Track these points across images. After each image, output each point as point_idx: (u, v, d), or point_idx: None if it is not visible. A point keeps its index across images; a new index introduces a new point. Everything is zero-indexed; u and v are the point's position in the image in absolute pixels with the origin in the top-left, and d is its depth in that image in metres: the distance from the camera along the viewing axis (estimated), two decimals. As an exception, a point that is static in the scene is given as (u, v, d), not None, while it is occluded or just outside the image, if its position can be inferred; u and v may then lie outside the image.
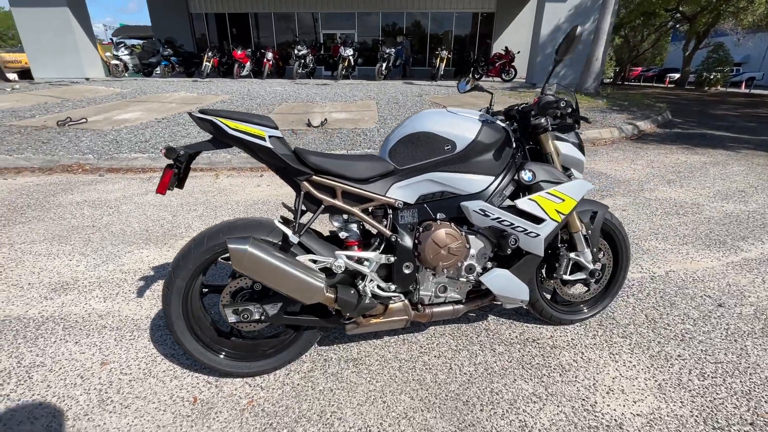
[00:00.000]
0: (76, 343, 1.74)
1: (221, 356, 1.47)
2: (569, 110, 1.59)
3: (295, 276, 1.28)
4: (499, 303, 1.66)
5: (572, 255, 1.71)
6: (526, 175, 1.45)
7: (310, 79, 13.11)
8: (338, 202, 1.41)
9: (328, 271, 1.43)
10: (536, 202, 1.43)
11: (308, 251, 1.44)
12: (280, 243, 1.38)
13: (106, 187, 3.89)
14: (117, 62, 12.11)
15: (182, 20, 16.66)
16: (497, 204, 1.45)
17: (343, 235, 1.52)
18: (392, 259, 1.45)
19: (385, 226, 1.47)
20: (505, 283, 1.53)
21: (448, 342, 1.76)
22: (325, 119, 6.34)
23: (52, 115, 6.42)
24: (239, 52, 11.98)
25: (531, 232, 1.45)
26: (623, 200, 3.58)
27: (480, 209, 1.42)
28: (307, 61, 12.58)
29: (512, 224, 1.44)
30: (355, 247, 1.52)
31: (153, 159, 4.56)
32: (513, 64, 12.67)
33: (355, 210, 1.43)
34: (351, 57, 12.27)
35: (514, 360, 1.65)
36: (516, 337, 1.80)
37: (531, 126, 1.51)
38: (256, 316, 1.40)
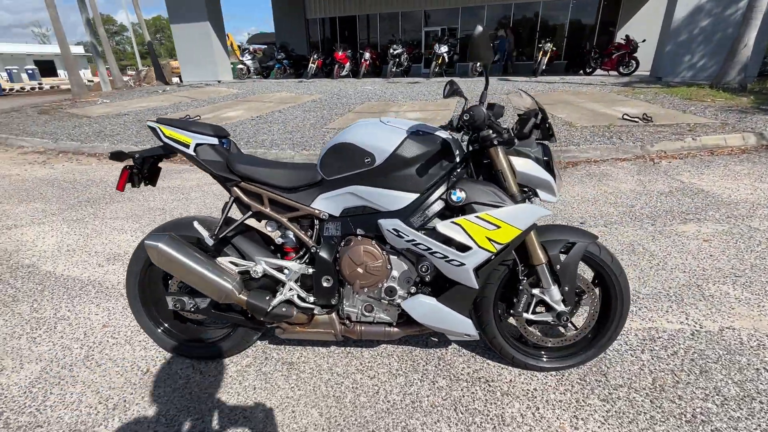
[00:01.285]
0: (97, 305, 2.13)
1: (167, 336, 1.65)
2: (535, 121, 1.34)
3: (203, 275, 1.37)
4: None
5: (536, 291, 1.45)
6: (454, 195, 1.27)
7: (404, 77, 13.29)
8: (265, 209, 1.45)
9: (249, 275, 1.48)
10: (461, 226, 1.24)
11: (240, 254, 1.51)
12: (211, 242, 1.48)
13: (188, 176, 4.59)
14: (242, 66, 14.03)
15: (299, 25, 18.42)
16: (417, 224, 1.30)
17: (279, 241, 1.55)
18: (311, 270, 1.43)
19: (311, 237, 1.45)
20: (428, 312, 1.38)
21: (391, 364, 1.66)
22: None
23: (180, 113, 7.79)
24: (340, 54, 12.76)
25: (453, 260, 1.27)
26: (713, 228, 2.83)
27: (393, 229, 1.30)
28: (402, 59, 12.76)
29: (429, 249, 1.28)
30: (293, 253, 1.54)
31: (232, 153, 5.21)
32: (635, 54, 10.86)
33: (282, 218, 1.45)
34: (446, 54, 12.04)
35: (450, 398, 1.48)
36: (468, 373, 1.60)
37: (480, 138, 1.32)
38: (188, 307, 1.53)
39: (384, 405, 1.47)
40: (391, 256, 1.39)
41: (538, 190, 1.38)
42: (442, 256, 1.28)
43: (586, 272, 1.68)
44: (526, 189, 1.38)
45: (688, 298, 2.05)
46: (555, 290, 1.42)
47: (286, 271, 1.46)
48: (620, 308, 1.48)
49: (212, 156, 1.42)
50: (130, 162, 1.51)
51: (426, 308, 1.37)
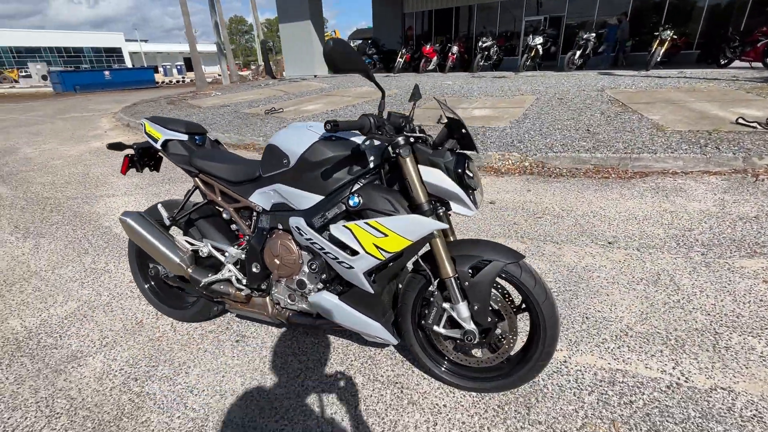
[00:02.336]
0: (134, 264, 2.63)
1: (151, 294, 2.00)
2: (447, 131, 1.30)
3: (158, 248, 1.64)
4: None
5: (446, 305, 1.40)
6: (352, 200, 1.30)
7: (493, 71, 12.68)
8: (217, 198, 1.67)
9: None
10: (351, 230, 1.27)
11: (202, 235, 1.76)
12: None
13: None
14: (336, 61, 14.92)
15: (396, 20, 18.75)
16: (317, 225, 1.36)
17: (234, 227, 1.76)
18: (244, 256, 1.60)
19: (249, 226, 1.63)
20: (332, 309, 1.43)
21: (324, 354, 1.76)
22: (457, 116, 6.23)
23: (268, 105, 8.71)
24: (427, 48, 12.72)
25: (343, 262, 1.31)
26: (788, 267, 2.26)
27: (296, 226, 1.38)
28: (491, 52, 12.18)
29: (323, 249, 1.34)
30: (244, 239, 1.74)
31: (295, 144, 5.69)
32: (790, 41, 8.64)
33: (229, 207, 1.65)
34: (540, 46, 11.14)
35: (356, 396, 1.53)
36: (387, 376, 1.62)
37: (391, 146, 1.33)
38: (161, 274, 1.84)
39: (298, 388, 1.59)
40: (303, 252, 1.48)
41: (451, 203, 1.33)
42: (333, 257, 1.33)
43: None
44: (435, 200, 1.34)
45: (691, 345, 1.72)
46: (463, 307, 1.36)
47: (226, 254, 1.66)
48: (543, 338, 1.35)
49: (179, 150, 1.68)
50: (131, 151, 1.85)
51: (329, 305, 1.44)
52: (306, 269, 1.49)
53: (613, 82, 8.46)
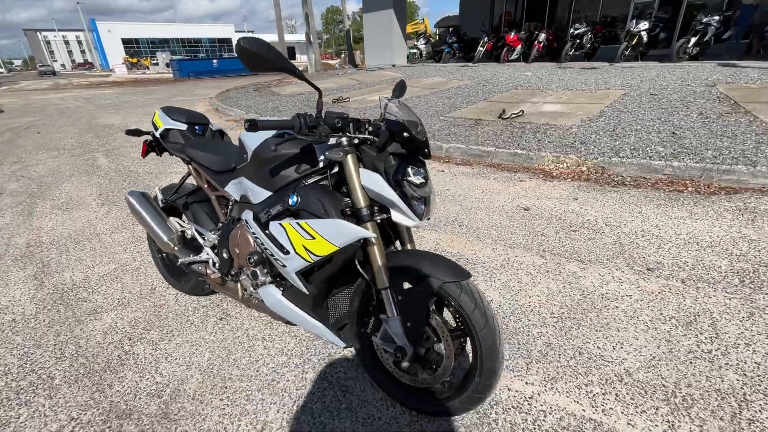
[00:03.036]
0: (170, 236, 2.96)
1: (162, 265, 2.23)
2: (388, 134, 1.21)
3: (151, 226, 1.82)
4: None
5: (383, 317, 1.33)
6: (291, 198, 1.29)
7: (584, 61, 11.42)
8: (204, 185, 1.79)
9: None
10: (284, 229, 1.26)
11: (195, 218, 1.91)
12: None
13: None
14: (414, 51, 14.76)
15: (483, 7, 17.80)
16: (263, 220, 1.38)
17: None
18: (217, 242, 1.70)
19: (226, 215, 1.72)
20: (275, 303, 1.45)
21: (289, 343, 1.80)
22: (521, 111, 5.77)
23: (340, 94, 9.00)
24: (510, 36, 11.90)
25: (278, 260, 1.31)
26: None
27: (246, 220, 1.41)
28: (584, 40, 10.95)
29: (262, 244, 1.35)
30: (231, 225, 1.85)
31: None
32: None
33: (212, 195, 1.76)
34: (644, 32, 9.72)
35: (302, 390, 1.55)
36: (338, 377, 1.60)
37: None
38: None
39: (252, 372, 1.66)
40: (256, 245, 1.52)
41: (391, 210, 1.24)
42: (270, 253, 1.34)
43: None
44: (378, 207, 1.26)
45: (701, 408, 1.40)
46: (395, 321, 1.27)
47: (205, 238, 1.78)
48: (480, 368, 1.21)
49: (176, 139, 1.83)
50: (149, 137, 2.07)
51: (272, 299, 1.47)
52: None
53: (731, 76, 7.05)
